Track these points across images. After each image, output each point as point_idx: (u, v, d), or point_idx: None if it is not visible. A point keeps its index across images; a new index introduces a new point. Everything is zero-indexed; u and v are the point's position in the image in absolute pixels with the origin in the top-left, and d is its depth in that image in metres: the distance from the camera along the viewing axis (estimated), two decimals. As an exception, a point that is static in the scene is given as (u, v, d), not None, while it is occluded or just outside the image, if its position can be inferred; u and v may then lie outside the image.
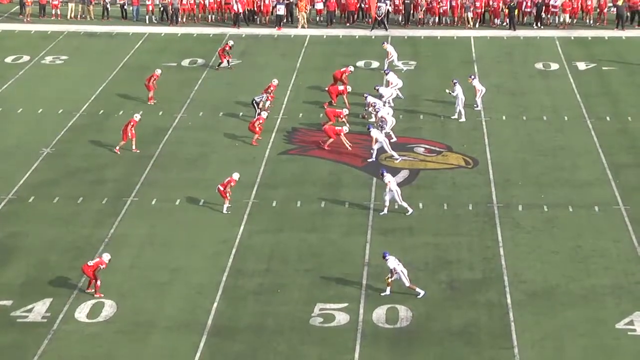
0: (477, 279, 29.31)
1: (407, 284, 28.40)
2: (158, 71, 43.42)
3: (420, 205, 33.86)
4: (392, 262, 28.50)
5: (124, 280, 29.31)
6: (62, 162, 37.29)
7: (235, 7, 54.84)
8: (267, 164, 37.19)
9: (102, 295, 28.29)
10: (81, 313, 27.61)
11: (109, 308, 27.85)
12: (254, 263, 30.31)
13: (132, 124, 37.94)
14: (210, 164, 37.17)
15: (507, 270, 29.69)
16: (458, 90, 40.99)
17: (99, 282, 28.34)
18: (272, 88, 42.02)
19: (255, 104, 40.81)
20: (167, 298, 28.43)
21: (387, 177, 33.34)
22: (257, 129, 38.74)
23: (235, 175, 33.70)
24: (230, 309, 27.93)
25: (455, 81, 41.52)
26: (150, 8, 55.94)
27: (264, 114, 39.74)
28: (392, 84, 42.59)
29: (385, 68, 44.65)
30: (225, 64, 47.55)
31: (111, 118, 41.55)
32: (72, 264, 29.95)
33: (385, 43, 48.33)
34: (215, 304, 28.08)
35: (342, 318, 27.43)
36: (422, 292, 28.43)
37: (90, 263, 28.41)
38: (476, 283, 29.08)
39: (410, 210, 33.06)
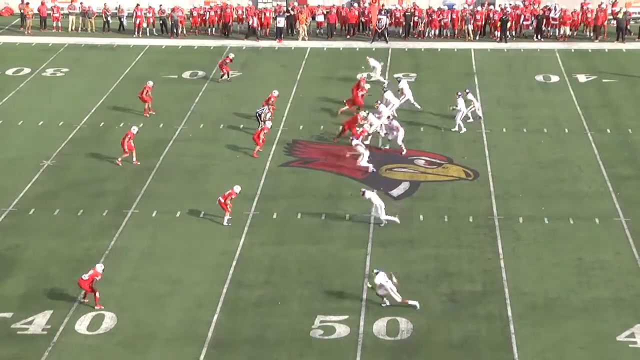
0: (477, 291, 29.28)
1: (398, 299, 28.25)
2: (150, 83, 43.42)
3: (421, 217, 33.85)
4: (380, 277, 28.27)
5: (125, 293, 29.29)
6: (62, 175, 37.29)
7: (251, 21, 54.92)
8: (267, 176, 37.20)
9: (103, 307, 28.26)
10: (81, 325, 27.58)
11: (109, 320, 27.82)
12: (255, 275, 30.29)
13: (129, 136, 37.94)
14: (211, 176, 37.17)
15: (508, 282, 29.66)
16: (460, 103, 40.99)
17: (97, 294, 28.30)
18: (272, 99, 42.06)
19: (257, 116, 40.85)
20: (167, 310, 28.40)
21: (367, 193, 33.16)
22: (261, 140, 38.73)
23: (237, 188, 33.70)
24: (231, 321, 27.90)
25: (459, 94, 41.53)
26: (151, 20, 56.03)
27: (269, 124, 39.73)
28: (391, 102, 42.19)
29: (385, 84, 44.39)
30: (225, 76, 47.63)
31: (112, 130, 41.56)
32: (72, 277, 29.88)
33: (369, 57, 48.32)
34: (215, 316, 28.06)
35: (342, 330, 27.40)
36: (416, 304, 28.34)
37: (85, 277, 28.32)
38: (477, 295, 29.05)
39: (397, 221, 33.01)
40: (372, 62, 47.60)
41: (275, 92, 42.47)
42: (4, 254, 31.31)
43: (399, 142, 38.82)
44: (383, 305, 28.45)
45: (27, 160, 38.48)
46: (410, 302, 28.38)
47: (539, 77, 48.33)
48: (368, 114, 39.96)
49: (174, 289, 29.46)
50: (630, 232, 32.72)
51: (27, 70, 49.68)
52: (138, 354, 26.43)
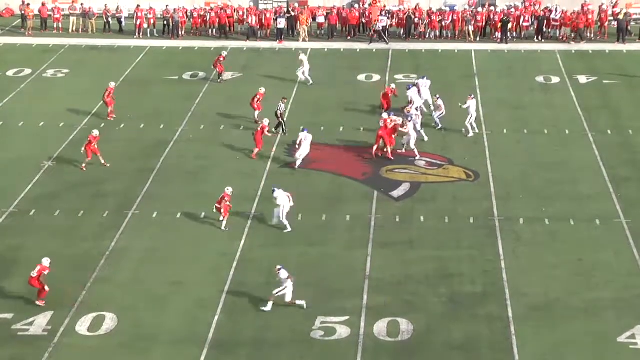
0: (478, 292, 29.27)
1: (288, 299, 28.20)
2: (112, 84, 43.26)
3: (422, 218, 33.86)
4: (284, 274, 28.40)
5: (125, 294, 29.29)
6: (63, 176, 37.29)
7: (250, 20, 54.99)
8: (268, 178, 37.19)
9: (43, 304, 28.16)
10: (82, 326, 27.58)
11: (109, 321, 27.82)
12: (255, 276, 30.29)
13: (90, 140, 37.71)
14: (211, 177, 37.16)
15: (508, 283, 29.65)
16: (471, 105, 40.85)
17: (45, 289, 28.23)
18: (258, 96, 41.89)
19: (277, 115, 40.73)
20: (168, 311, 28.40)
21: (277, 192, 33.03)
22: (260, 140, 38.75)
23: (229, 190, 33.65)
24: (231, 322, 27.90)
25: (471, 96, 41.46)
26: (152, 22, 56.05)
27: (266, 121, 39.65)
28: (413, 101, 41.99)
29: (409, 84, 43.95)
30: (220, 76, 47.59)
31: (112, 131, 41.54)
32: (72, 278, 29.94)
33: (302, 53, 48.46)
34: (216, 318, 28.06)
35: (343, 331, 27.40)
36: (304, 303, 28.29)
37: (34, 274, 28.32)
38: (477, 296, 29.04)
39: (289, 229, 32.74)
40: (303, 57, 47.85)
41: (262, 90, 42.25)
42: (5, 255, 31.31)
43: (412, 145, 38.69)
44: (263, 308, 28.15)
45: (27, 161, 38.48)
46: (298, 302, 28.36)
47: (540, 78, 48.33)
48: (403, 120, 39.60)
49: (174, 290, 29.47)
50: (630, 233, 32.71)
51: (27, 71, 49.69)
52: (138, 355, 26.44)
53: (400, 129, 38.83)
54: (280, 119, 40.95)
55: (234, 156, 38.99)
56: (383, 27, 54.48)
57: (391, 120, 38.79)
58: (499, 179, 36.76)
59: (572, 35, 54.28)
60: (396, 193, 35.86)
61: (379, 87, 45.55)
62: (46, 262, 28.74)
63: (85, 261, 30.98)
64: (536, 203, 34.87)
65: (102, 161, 37.76)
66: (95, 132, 38.22)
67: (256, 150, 38.85)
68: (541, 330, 27.31)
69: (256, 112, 41.58)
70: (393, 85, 43.32)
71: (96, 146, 37.72)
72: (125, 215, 34.11)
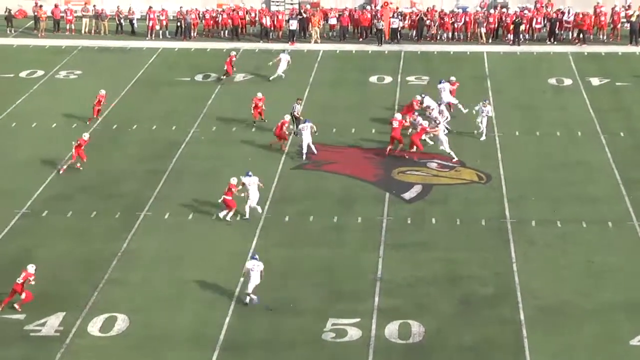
0: (489, 294, 29.22)
1: (249, 290, 28.53)
2: (102, 91, 42.89)
3: (433, 220, 33.82)
4: (250, 264, 28.77)
5: (137, 295, 29.34)
6: (75, 177, 37.35)
7: (264, 21, 55.09)
8: (280, 179, 37.21)
9: (20, 310, 28.11)
10: (94, 327, 27.63)
11: (121, 322, 27.86)
12: (267, 277, 30.18)
13: (80, 143, 37.74)
14: (223, 178, 37.00)
15: (520, 286, 29.58)
16: (487, 109, 40.71)
17: (23, 295, 28.19)
18: (255, 102, 41.75)
19: (294, 117, 40.78)
20: (179, 312, 28.43)
21: (249, 178, 33.61)
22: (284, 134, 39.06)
23: (233, 180, 33.73)
24: (243, 323, 27.91)
25: (486, 100, 41.36)
26: (165, 23, 56.15)
27: (287, 117, 39.76)
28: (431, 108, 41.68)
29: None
30: (225, 76, 47.88)
31: (125, 133, 41.62)
32: (85, 279, 30.00)
33: (283, 53, 48.93)
34: (227, 319, 28.07)
35: (354, 333, 27.38)
36: (255, 298, 28.54)
37: (19, 280, 28.22)
38: (489, 299, 28.99)
39: (247, 217, 33.38)
40: (283, 56, 48.32)
41: (259, 95, 42.19)
42: (18, 255, 31.36)
43: (447, 149, 38.57)
44: (246, 301, 28.59)
45: (40, 162, 38.55)
46: (254, 297, 28.59)
47: (552, 80, 48.23)
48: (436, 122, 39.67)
49: (185, 291, 29.50)
50: (643, 235, 32.68)
51: (40, 73, 49.82)
52: (150, 357, 26.47)
53: (429, 131, 38.70)
54: (294, 119, 40.97)
55: (246, 157, 39.00)
56: (394, 29, 54.50)
57: (420, 125, 38.69)
58: (511, 181, 36.70)
59: (575, 36, 54.11)
60: (408, 195, 35.83)
61: (391, 89, 45.56)
62: (31, 268, 28.62)
63: (97, 262, 31.04)
64: (548, 205, 34.80)
65: (78, 164, 37.62)
66: (86, 136, 38.21)
67: (283, 142, 39.23)
68: (553, 333, 27.25)
69: (262, 119, 41.46)
70: (418, 97, 42.11)
71: (82, 149, 37.63)
72: (137, 216, 34.16)
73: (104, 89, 42.90)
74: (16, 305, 28.38)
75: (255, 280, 28.77)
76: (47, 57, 52.38)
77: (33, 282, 28.51)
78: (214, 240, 32.49)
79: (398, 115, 39.71)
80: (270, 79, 47.89)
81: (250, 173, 33.62)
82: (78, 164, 37.71)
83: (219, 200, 33.81)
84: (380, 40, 53.99)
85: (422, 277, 30.10)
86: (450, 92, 42.95)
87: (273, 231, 33.23)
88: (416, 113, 40.43)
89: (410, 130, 39.47)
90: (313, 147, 39.08)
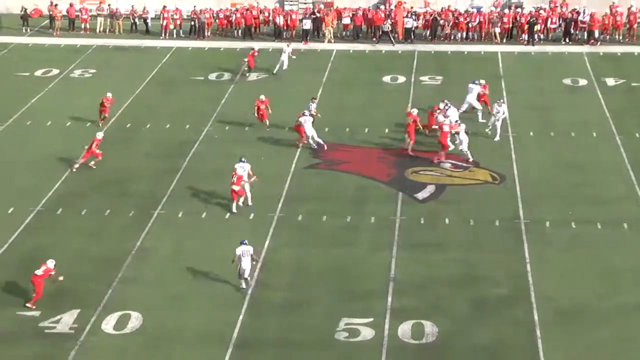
0: (503, 295, 29.15)
1: (246, 275, 29.21)
2: (109, 95, 42.56)
3: (447, 220, 33.77)
4: (239, 250, 29.27)
5: (150, 293, 29.40)
6: (90, 175, 37.45)
7: (277, 20, 55.15)
8: (293, 178, 37.22)
9: (34, 307, 28.33)
10: (108, 325, 27.72)
11: (135, 320, 27.92)
12: (280, 277, 30.33)
13: (95, 143, 37.88)
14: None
15: (535, 287, 29.50)
16: (503, 109, 40.62)
17: (40, 293, 28.38)
18: (257, 104, 41.61)
19: (310, 114, 40.91)
20: (192, 311, 28.48)
21: (240, 166, 34.46)
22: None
23: (240, 170, 34.44)
24: (255, 322, 27.95)
25: (501, 100, 41.28)
26: (179, 22, 56.24)
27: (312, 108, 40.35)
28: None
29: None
30: (246, 69, 48.35)
31: (139, 131, 41.70)
32: (99, 276, 30.09)
33: (289, 50, 49.78)
34: (240, 317, 28.11)
35: (367, 333, 27.37)
36: (248, 285, 29.27)
37: (39, 272, 28.50)
38: (503, 300, 28.93)
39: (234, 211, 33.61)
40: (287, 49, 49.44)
41: (262, 97, 42.13)
42: (32, 253, 31.45)
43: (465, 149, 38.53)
44: (241, 287, 29.30)
45: (54, 160, 38.66)
46: (244, 283, 29.31)
47: (567, 81, 48.09)
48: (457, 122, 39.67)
49: (199, 290, 29.55)
50: (658, 237, 32.54)
51: (55, 71, 49.95)
52: (163, 354, 26.54)
53: (453, 130, 38.64)
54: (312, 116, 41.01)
55: (259, 157, 39.00)
56: (407, 28, 54.46)
57: (442, 124, 38.66)
58: (525, 182, 36.61)
59: (588, 37, 53.96)
60: (421, 195, 35.80)
61: (405, 89, 45.43)
62: (51, 264, 28.84)
63: (111, 260, 31.12)
64: (563, 206, 34.70)
65: (92, 163, 37.75)
66: (100, 135, 38.27)
67: (301, 138, 39.45)
68: (568, 335, 27.16)
69: (267, 121, 41.42)
70: (442, 105, 41.20)
71: (97, 149, 37.75)
72: (151, 215, 34.22)
73: (110, 92, 42.70)
74: (28, 305, 28.50)
75: (247, 265, 29.28)
76: (62, 55, 52.52)
77: (60, 277, 28.76)
78: (227, 239, 32.46)
79: (414, 111, 39.72)
80: (274, 72, 48.29)
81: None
82: (92, 162, 37.76)
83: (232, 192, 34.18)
84: (390, 41, 53.86)
85: (435, 278, 30.06)
86: (480, 95, 42.66)
87: (286, 230, 33.24)
88: (437, 112, 40.30)
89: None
90: (320, 140, 39.12)
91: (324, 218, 34.03)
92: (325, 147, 39.23)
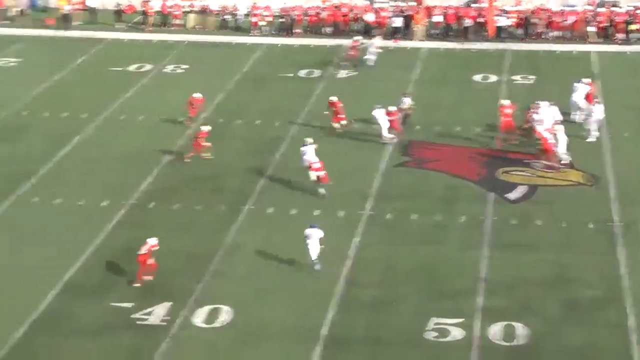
0: (597, 298, 28.68)
1: (313, 257, 29.95)
2: (197, 95, 42.41)
3: (539, 221, 33.36)
4: (308, 231, 30.09)
5: (240, 287, 29.62)
6: (181, 170, 37.88)
7: (367, 18, 55.17)
8: (382, 176, 37.15)
9: (140, 284, 29.30)
10: (198, 318, 27.99)
11: (225, 314, 28.15)
12: (369, 275, 30.29)
13: (201, 136, 38.17)
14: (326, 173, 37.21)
15: (630, 291, 28.95)
16: (598, 109, 40.00)
17: (148, 268, 29.36)
18: (336, 106, 41.34)
19: (400, 111, 41.02)
20: (282, 306, 28.60)
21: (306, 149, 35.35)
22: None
23: (306, 153, 35.78)
24: (344, 320, 27.93)
25: (596, 99, 40.65)
26: (269, 19, 56.56)
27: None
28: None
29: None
30: (347, 63, 48.93)
31: (230, 127, 42.01)
32: (190, 270, 30.40)
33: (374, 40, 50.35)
34: (329, 314, 28.13)
35: (457, 333, 27.19)
36: (318, 264, 29.96)
37: (143, 251, 29.45)
38: (596, 303, 28.46)
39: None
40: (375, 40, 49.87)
41: (334, 98, 41.75)
42: (125, 246, 31.90)
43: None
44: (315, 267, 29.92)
45: (147, 154, 39.17)
46: (316, 265, 30.03)
47: (664, 81, 47.13)
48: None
49: (288, 285, 29.66)
50: None
51: (148, 67, 50.63)
52: (253, 349, 26.69)
53: (553, 130, 38.00)
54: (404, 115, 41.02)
55: (348, 154, 39.00)
56: (499, 27, 53.95)
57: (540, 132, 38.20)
58: (620, 184, 35.94)
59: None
60: (512, 195, 35.43)
61: (496, 88, 45.01)
62: (154, 240, 29.71)
63: (202, 254, 31.43)
64: (658, 209, 34.05)
65: (205, 155, 38.14)
66: (205, 128, 38.65)
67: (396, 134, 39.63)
68: (663, 341, 26.66)
69: (342, 122, 41.12)
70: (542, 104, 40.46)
71: (204, 142, 38.12)
72: (241, 210, 34.47)
73: (199, 92, 42.60)
74: (138, 284, 29.26)
75: (314, 247, 29.91)
76: (154, 51, 53.21)
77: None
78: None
79: (505, 102, 39.46)
80: (364, 64, 49.19)
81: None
82: (207, 154, 38.14)
83: (313, 179, 34.71)
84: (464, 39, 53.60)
85: (526, 278, 29.73)
86: (588, 94, 41.90)
87: (375, 228, 33.19)
88: (531, 111, 39.86)
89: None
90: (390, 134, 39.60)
91: (413, 216, 33.91)
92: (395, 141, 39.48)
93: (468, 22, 54.00)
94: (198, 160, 38.44)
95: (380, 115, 39.65)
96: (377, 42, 50.06)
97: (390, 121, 39.75)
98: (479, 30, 54.20)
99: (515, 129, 39.48)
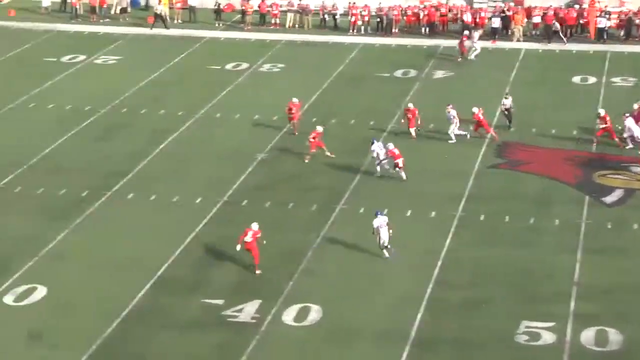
0: (696, 305, 28.02)
1: (386, 244, 30.58)
2: (295, 100, 41.47)
3: (635, 226, 32.68)
4: (377, 221, 30.60)
5: (330, 286, 29.66)
6: (275, 168, 38.13)
7: (465, 18, 54.85)
8: (476, 177, 36.84)
9: (260, 271, 30.07)
10: (288, 316, 28.10)
11: (314, 313, 28.22)
12: (460, 276, 30.07)
13: (313, 135, 38.21)
14: (418, 175, 37.04)
15: None
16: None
17: (256, 254, 30.08)
18: (412, 112, 40.81)
19: (505, 112, 40.84)
20: (371, 306, 28.55)
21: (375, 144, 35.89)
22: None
23: (319, 128, 37.78)
24: (434, 321, 27.77)
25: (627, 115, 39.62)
26: (366, 19, 56.58)
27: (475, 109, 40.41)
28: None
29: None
30: (461, 57, 50.22)
31: (324, 126, 41.95)
32: (280, 268, 30.56)
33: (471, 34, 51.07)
34: (419, 315, 28.00)
35: (548, 337, 26.80)
36: (393, 251, 30.61)
37: (248, 239, 29.92)
38: (694, 310, 27.82)
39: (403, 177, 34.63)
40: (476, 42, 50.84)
41: (410, 105, 41.30)
42: (217, 243, 32.25)
43: None
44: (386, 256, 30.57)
45: (242, 152, 39.51)
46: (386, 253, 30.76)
47: None
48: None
49: (378, 286, 29.60)
50: None
51: (245, 65, 51.08)
52: (342, 348, 26.69)
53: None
54: (507, 115, 40.82)
55: (442, 155, 38.78)
56: (600, 28, 53.04)
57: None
58: None
59: None
60: (609, 199, 34.79)
61: (595, 90, 44.27)
62: (255, 226, 30.22)
63: (292, 252, 31.57)
64: None
65: (327, 153, 38.33)
66: (319, 128, 38.70)
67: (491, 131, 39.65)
68: None
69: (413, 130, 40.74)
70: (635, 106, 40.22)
71: (319, 139, 38.31)
72: (333, 209, 34.54)
73: (297, 98, 41.84)
74: (258, 271, 30.08)
75: (385, 235, 30.55)
76: (251, 50, 53.65)
77: (264, 241, 30.40)
78: (408, 237, 32.35)
79: (601, 111, 39.09)
80: (468, 57, 49.85)
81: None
82: (330, 153, 38.34)
83: (396, 170, 35.93)
84: (562, 40, 52.67)
85: (621, 284, 29.15)
86: None
87: (467, 230, 32.93)
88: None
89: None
90: (460, 132, 39.70)
91: (506, 218, 33.54)
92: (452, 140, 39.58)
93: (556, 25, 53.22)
94: (292, 158, 38.66)
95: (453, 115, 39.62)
96: (478, 34, 51.18)
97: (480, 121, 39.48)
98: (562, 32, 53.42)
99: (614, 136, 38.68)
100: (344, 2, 57.97)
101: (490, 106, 42.13)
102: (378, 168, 36.67)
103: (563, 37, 52.99)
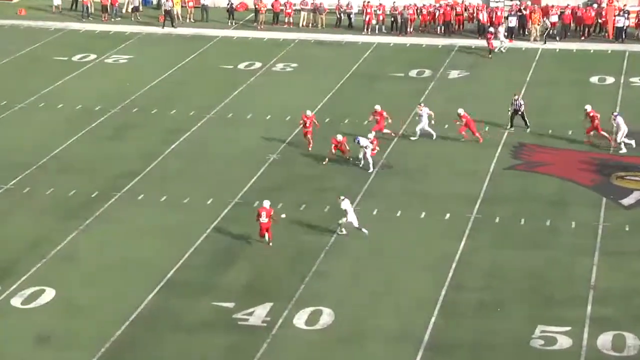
0: None
1: (356, 225, 31.58)
2: (308, 112, 39.98)
3: (653, 228, 32.23)
4: (344, 204, 31.49)
5: (342, 289, 29.27)
6: (287, 169, 37.75)
7: (481, 17, 54.40)
8: (491, 179, 36.38)
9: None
10: (300, 319, 27.70)
11: (326, 316, 27.82)
12: (474, 279, 29.64)
13: (334, 144, 37.67)
14: (433, 176, 36.69)
15: None
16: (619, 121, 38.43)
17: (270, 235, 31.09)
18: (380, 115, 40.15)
19: (519, 112, 40.38)
20: (384, 309, 28.16)
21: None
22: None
23: (339, 137, 37.47)
24: (448, 324, 27.37)
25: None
26: (381, 18, 56.18)
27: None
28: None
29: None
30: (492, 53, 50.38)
31: (337, 126, 41.67)
32: (292, 270, 30.19)
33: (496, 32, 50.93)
34: (433, 318, 27.58)
35: (564, 342, 26.34)
36: (366, 232, 31.54)
37: (264, 220, 30.76)
38: None
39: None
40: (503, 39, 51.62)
41: (377, 107, 40.44)
42: (229, 244, 31.92)
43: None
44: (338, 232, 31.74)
45: (254, 153, 39.18)
46: (364, 229, 31.46)
47: None
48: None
49: (391, 289, 29.21)
50: None
51: (257, 65, 50.73)
52: (354, 352, 26.31)
53: None
54: (520, 115, 40.39)
55: (454, 156, 38.28)
56: (619, 27, 52.46)
57: None
58: None
59: None
60: (627, 201, 34.30)
61: (613, 90, 43.74)
62: (267, 203, 31.22)
63: (304, 254, 31.20)
64: None
65: (347, 156, 37.87)
66: (339, 137, 38.02)
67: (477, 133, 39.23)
68: None
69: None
70: None
71: (343, 147, 37.74)
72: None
73: (310, 110, 40.46)
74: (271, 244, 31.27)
75: (353, 217, 31.59)
76: (265, 49, 53.32)
77: (283, 214, 31.89)
78: (422, 239, 32.05)
79: (587, 107, 39.26)
80: (499, 50, 50.65)
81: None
82: (349, 157, 37.87)
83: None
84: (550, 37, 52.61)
85: (638, 288, 28.61)
86: None
87: (483, 232, 32.48)
88: None
89: None
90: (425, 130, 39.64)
91: (522, 221, 33.06)
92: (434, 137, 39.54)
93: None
94: (304, 159, 38.26)
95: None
96: (504, 28, 51.88)
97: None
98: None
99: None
100: (359, 0, 57.56)
101: (504, 106, 41.56)
102: (370, 160, 36.90)
103: (555, 35, 52.59)
